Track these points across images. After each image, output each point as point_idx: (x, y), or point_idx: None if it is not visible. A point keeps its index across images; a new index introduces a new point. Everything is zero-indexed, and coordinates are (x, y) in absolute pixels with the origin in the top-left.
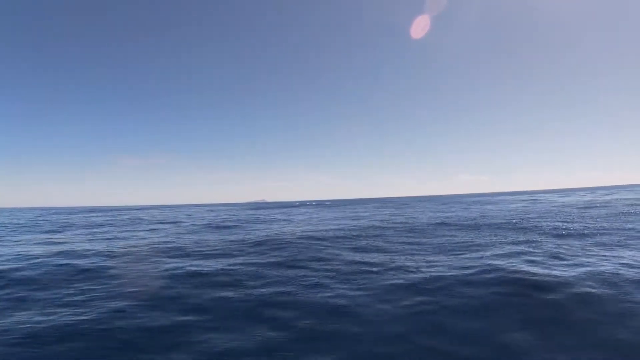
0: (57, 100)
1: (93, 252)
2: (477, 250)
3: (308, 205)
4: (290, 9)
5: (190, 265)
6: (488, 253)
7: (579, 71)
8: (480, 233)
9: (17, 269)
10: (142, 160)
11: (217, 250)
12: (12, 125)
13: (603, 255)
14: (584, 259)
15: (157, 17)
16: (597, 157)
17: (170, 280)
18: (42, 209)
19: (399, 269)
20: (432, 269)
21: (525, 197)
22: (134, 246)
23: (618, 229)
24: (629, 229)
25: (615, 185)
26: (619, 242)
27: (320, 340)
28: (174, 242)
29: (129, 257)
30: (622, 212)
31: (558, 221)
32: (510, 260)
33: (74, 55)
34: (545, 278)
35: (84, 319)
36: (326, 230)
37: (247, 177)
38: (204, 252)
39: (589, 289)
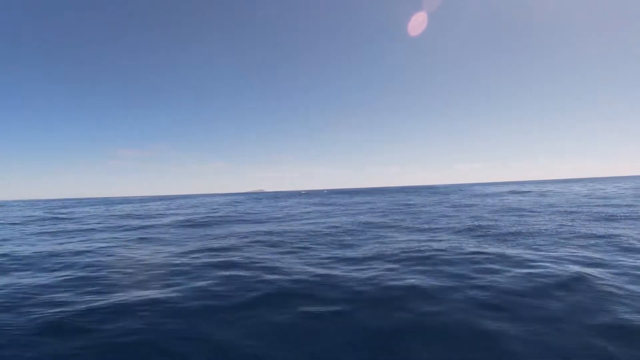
0: (56, 98)
1: None
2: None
3: (325, 194)
4: (288, 4)
5: None
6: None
7: (573, 64)
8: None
9: None
10: (141, 152)
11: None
12: (11, 126)
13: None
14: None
15: (154, 14)
16: (594, 148)
17: None
18: (50, 201)
19: None
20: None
21: (492, 188)
22: None
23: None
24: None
25: (602, 177)
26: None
27: None
28: None
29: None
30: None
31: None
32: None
33: (77, 54)
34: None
35: None
36: None
37: (243, 169)
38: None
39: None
